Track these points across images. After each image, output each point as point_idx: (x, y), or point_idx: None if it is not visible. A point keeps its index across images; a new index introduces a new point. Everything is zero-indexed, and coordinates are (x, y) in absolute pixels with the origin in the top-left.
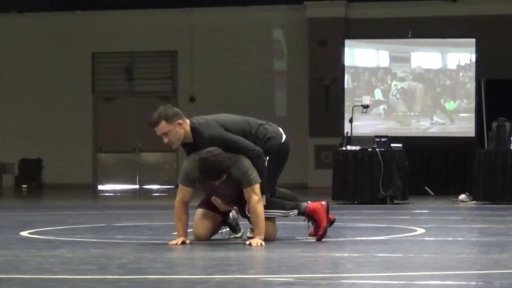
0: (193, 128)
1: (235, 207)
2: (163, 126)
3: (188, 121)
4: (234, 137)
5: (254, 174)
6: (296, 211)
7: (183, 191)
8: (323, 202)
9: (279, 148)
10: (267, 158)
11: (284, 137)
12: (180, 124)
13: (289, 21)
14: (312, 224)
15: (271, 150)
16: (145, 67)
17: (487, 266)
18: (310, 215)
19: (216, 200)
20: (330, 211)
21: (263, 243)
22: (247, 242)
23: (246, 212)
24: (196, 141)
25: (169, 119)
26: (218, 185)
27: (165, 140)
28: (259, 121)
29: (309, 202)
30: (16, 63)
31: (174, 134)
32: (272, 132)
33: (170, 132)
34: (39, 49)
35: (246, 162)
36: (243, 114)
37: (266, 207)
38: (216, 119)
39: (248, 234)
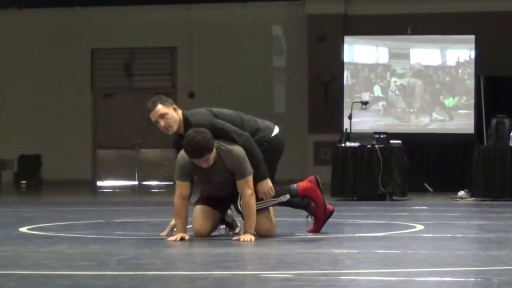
0: (184, 118)
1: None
2: (159, 108)
3: (180, 111)
4: (221, 122)
5: (247, 165)
6: (288, 195)
7: (180, 186)
8: (311, 177)
9: (267, 142)
10: (258, 149)
11: (275, 132)
12: (175, 109)
13: (288, 18)
14: (311, 218)
15: (259, 143)
16: (144, 63)
17: (486, 263)
18: (303, 195)
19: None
20: (329, 203)
21: (253, 238)
22: (235, 238)
23: (239, 207)
24: (186, 131)
25: (164, 101)
26: (209, 173)
27: (162, 123)
28: (253, 117)
29: (298, 183)
30: (15, 59)
31: (171, 117)
32: (261, 126)
33: (167, 115)
34: (38, 45)
35: (241, 153)
36: (242, 111)
37: (258, 199)
38: (208, 108)
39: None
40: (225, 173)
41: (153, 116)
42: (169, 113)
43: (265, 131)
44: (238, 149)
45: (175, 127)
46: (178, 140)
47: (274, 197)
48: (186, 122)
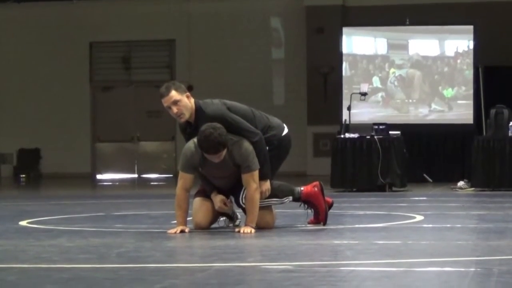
0: (197, 107)
1: (231, 201)
2: (174, 94)
3: (193, 99)
4: (236, 117)
5: (255, 160)
6: (290, 197)
7: (184, 178)
8: (316, 183)
9: (278, 140)
10: (267, 148)
11: (285, 131)
12: (188, 97)
13: (286, 9)
14: (311, 210)
15: (270, 141)
16: (142, 56)
17: (486, 253)
18: (306, 200)
19: (215, 198)
20: (328, 195)
21: (253, 231)
22: (237, 229)
23: (241, 202)
24: (198, 120)
25: (178, 88)
26: (218, 167)
27: (174, 110)
28: (264, 114)
29: (302, 187)
30: (13, 53)
31: (184, 105)
32: (273, 124)
33: (180, 102)
34: (36, 39)
35: (249, 147)
36: (241, 103)
37: (261, 196)
38: (221, 100)
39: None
40: (232, 167)
41: (165, 102)
42: (183, 100)
43: (276, 129)
44: (245, 144)
45: (187, 115)
46: (185, 128)
47: (278, 197)
48: (199, 111)
